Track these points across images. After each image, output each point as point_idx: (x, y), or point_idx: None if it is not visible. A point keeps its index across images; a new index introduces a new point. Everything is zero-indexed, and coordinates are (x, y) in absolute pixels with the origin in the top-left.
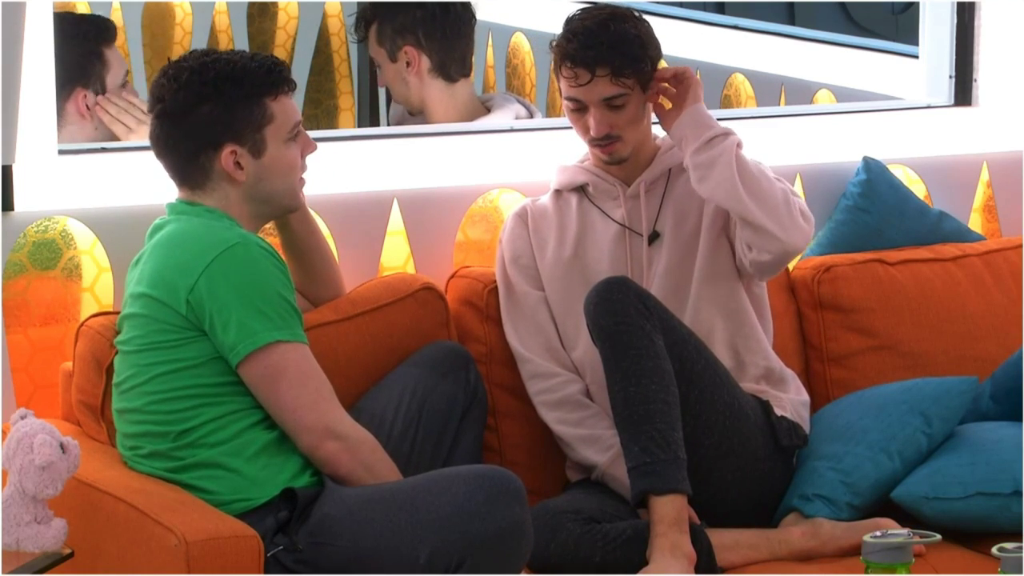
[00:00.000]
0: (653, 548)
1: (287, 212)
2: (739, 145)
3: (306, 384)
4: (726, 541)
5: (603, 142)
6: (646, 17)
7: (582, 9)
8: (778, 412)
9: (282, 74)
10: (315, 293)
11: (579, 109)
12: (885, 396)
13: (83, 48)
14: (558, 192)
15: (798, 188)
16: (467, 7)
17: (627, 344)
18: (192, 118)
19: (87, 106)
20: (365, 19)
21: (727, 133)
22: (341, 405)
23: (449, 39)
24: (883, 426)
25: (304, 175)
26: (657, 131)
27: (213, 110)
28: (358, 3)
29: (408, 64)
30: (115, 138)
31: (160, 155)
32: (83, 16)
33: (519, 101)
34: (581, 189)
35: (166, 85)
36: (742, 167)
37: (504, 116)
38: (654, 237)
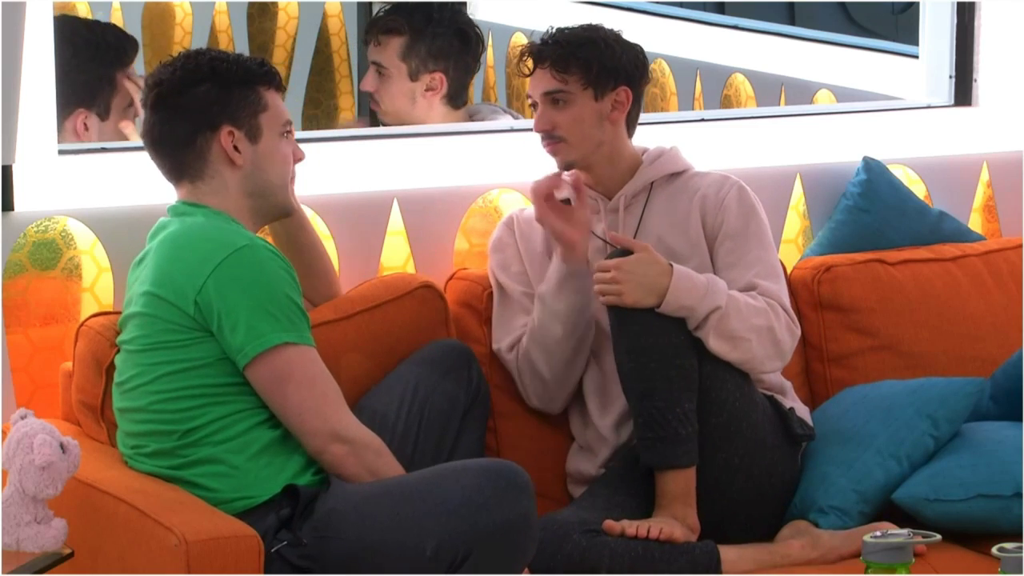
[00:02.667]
0: (656, 516)
1: (281, 213)
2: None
3: (313, 387)
4: (729, 556)
5: (545, 140)
6: (646, 18)
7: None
8: (787, 404)
9: (270, 70)
10: (311, 290)
11: (534, 107)
12: (891, 398)
13: (95, 72)
14: None
15: (797, 188)
16: (485, 43)
17: (627, 320)
18: (189, 98)
19: (85, 126)
20: (392, 29)
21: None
22: (348, 408)
23: (471, 72)
24: (891, 430)
25: (294, 184)
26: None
27: (211, 90)
28: (376, 3)
29: (429, 88)
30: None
31: (156, 147)
32: (105, 38)
33: (503, 110)
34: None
35: (162, 71)
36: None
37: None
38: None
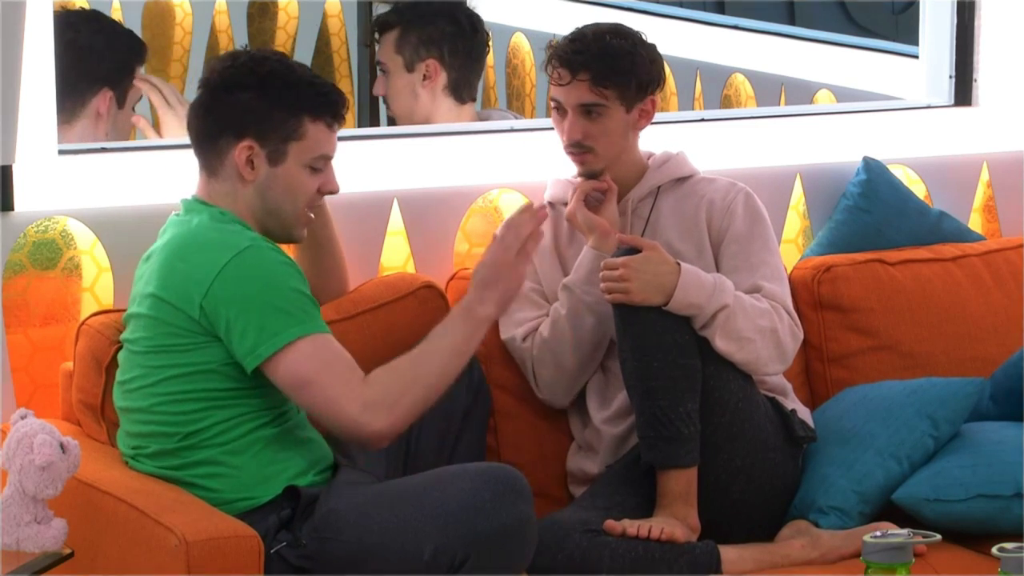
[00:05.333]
0: (657, 516)
1: (287, 238)
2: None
3: (334, 373)
4: (730, 556)
5: (575, 149)
6: (646, 18)
7: (595, 23)
8: (788, 406)
9: (332, 101)
10: (321, 286)
11: (559, 111)
12: (891, 398)
13: (123, 59)
14: (551, 204)
15: (797, 188)
16: (486, 34)
17: (632, 319)
18: (230, 98)
19: (108, 107)
20: (386, 24)
21: (714, 313)
22: (361, 373)
23: (471, 61)
24: (890, 431)
25: (319, 212)
26: (647, 147)
27: (252, 100)
28: (369, 4)
29: (425, 77)
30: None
31: (192, 125)
32: (128, 30)
33: (514, 116)
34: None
35: (224, 59)
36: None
37: None
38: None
